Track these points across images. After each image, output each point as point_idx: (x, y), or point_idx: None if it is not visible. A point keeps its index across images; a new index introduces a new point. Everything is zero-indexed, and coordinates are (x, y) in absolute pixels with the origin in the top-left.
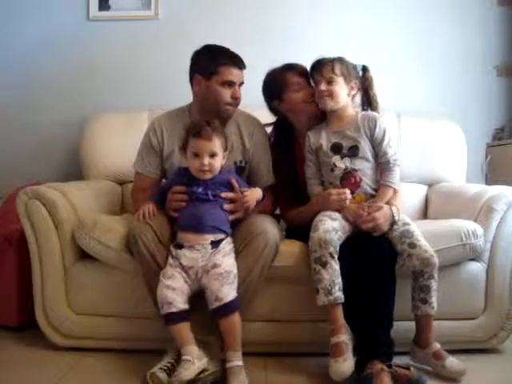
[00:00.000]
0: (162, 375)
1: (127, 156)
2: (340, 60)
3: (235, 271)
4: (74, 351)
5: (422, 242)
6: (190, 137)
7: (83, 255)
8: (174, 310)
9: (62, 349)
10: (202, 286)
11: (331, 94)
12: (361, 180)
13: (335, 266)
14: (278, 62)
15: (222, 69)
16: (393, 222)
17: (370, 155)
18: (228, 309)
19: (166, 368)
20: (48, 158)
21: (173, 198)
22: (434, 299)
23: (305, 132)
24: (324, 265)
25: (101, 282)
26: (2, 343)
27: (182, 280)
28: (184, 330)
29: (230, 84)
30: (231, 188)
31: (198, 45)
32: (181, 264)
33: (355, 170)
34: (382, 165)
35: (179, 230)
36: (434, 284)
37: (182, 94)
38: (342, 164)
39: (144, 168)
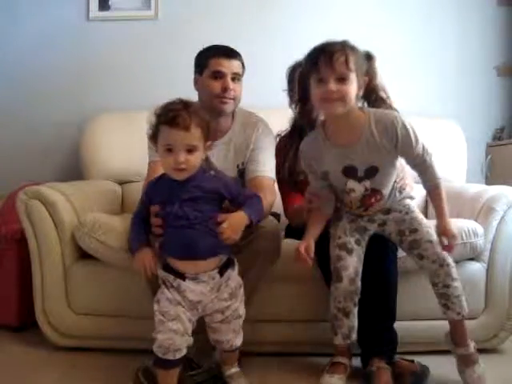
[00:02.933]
0: (155, 370)
1: (127, 156)
2: (352, 48)
3: (243, 313)
4: (73, 351)
5: (430, 250)
6: (161, 125)
7: (83, 255)
8: (178, 356)
9: (61, 349)
10: (206, 320)
11: (343, 97)
12: (383, 196)
13: (355, 310)
14: (279, 62)
15: (210, 61)
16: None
17: (394, 164)
18: (235, 349)
19: None
20: (48, 158)
21: (153, 222)
22: (456, 304)
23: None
24: (347, 315)
25: (101, 282)
26: (1, 343)
27: (187, 321)
28: (174, 376)
29: (220, 75)
30: (219, 199)
31: (198, 45)
32: (184, 298)
33: (377, 190)
34: (417, 167)
35: (171, 257)
36: (452, 290)
37: (182, 94)
38: (360, 187)
39: (156, 156)
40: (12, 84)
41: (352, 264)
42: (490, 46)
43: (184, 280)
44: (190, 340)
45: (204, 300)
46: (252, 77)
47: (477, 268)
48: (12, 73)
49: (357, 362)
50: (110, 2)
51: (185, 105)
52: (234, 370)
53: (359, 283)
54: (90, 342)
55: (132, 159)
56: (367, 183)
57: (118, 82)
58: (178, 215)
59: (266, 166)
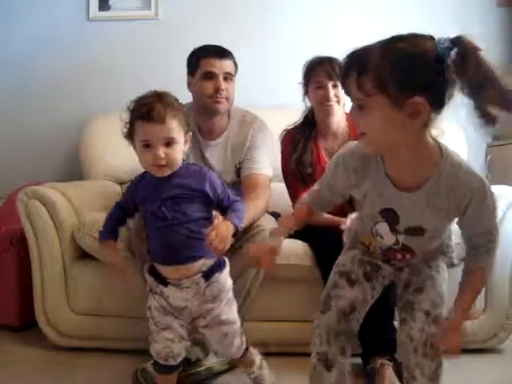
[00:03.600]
0: (153, 371)
1: (127, 156)
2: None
3: (236, 318)
4: (73, 351)
5: (418, 321)
6: (136, 120)
7: (83, 255)
8: (179, 360)
9: (62, 349)
10: (201, 334)
11: (368, 127)
12: (414, 257)
13: (343, 364)
14: (279, 62)
15: (201, 62)
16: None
17: (446, 228)
18: (243, 355)
19: None
20: (48, 158)
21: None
22: None
23: (325, 132)
24: (329, 366)
25: (101, 282)
26: (2, 343)
27: (179, 327)
28: (174, 378)
29: (212, 76)
30: (204, 198)
31: (198, 45)
32: (169, 304)
33: (410, 250)
34: (469, 243)
35: (155, 261)
36: None
37: (182, 94)
38: (391, 238)
39: None
40: (12, 84)
41: (349, 297)
42: (490, 46)
43: (166, 286)
44: (188, 343)
45: (189, 305)
46: (252, 77)
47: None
48: (12, 73)
49: (357, 360)
50: (109, 2)
51: (158, 96)
52: (254, 372)
53: (354, 325)
54: (89, 342)
55: (132, 159)
56: (402, 237)
57: (118, 82)
58: (156, 215)
59: (261, 164)
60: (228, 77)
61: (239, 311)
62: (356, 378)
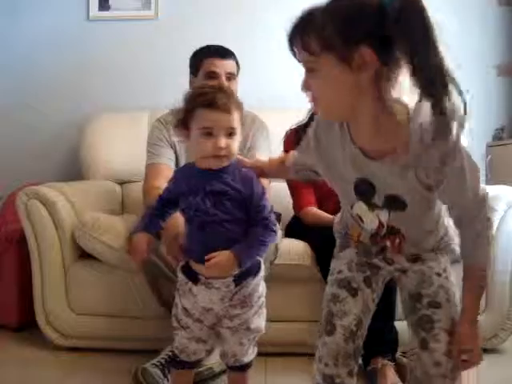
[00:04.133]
0: (154, 370)
1: (127, 156)
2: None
3: (263, 328)
4: (73, 351)
5: (442, 346)
6: (198, 108)
7: (83, 255)
8: (194, 359)
9: (62, 349)
10: (217, 332)
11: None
12: (405, 240)
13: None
14: (279, 63)
15: (203, 62)
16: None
17: (429, 201)
18: (245, 367)
19: (158, 364)
20: (48, 158)
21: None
22: None
23: None
24: None
25: (101, 282)
26: (1, 343)
27: (198, 330)
28: (188, 377)
29: (214, 76)
30: (241, 201)
31: (198, 45)
32: (195, 304)
33: (397, 231)
34: (459, 228)
35: (190, 257)
36: None
37: (182, 94)
38: (373, 218)
39: (155, 158)
40: (12, 84)
41: (354, 311)
42: (490, 45)
43: (196, 284)
44: (208, 347)
45: (215, 308)
46: (252, 77)
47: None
48: (12, 72)
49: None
50: (109, 2)
51: (220, 88)
52: None
53: (361, 342)
54: (89, 342)
55: (132, 159)
56: (384, 216)
57: (118, 82)
58: (198, 208)
59: None
60: (230, 77)
61: None
62: (356, 379)
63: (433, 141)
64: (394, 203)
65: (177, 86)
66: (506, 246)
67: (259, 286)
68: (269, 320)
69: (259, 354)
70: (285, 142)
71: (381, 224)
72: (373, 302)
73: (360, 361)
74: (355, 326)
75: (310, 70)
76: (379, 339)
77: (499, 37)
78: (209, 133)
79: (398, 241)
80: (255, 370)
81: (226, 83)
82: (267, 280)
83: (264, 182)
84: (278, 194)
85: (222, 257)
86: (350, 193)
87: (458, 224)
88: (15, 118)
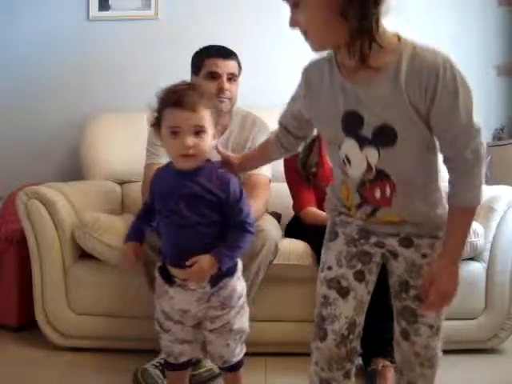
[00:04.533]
0: (154, 371)
1: (127, 156)
2: None
3: (247, 328)
4: (73, 351)
5: (423, 338)
6: (166, 108)
7: (83, 255)
8: (181, 360)
9: (62, 349)
10: (203, 335)
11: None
12: (394, 189)
13: None
14: (280, 63)
15: (206, 61)
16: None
17: (424, 136)
18: (236, 367)
19: (158, 365)
20: (48, 158)
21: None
22: None
23: None
24: None
25: (101, 282)
26: (2, 343)
27: (180, 331)
28: (181, 379)
29: (215, 76)
30: (218, 204)
31: (199, 45)
32: (173, 306)
33: (386, 176)
34: (450, 163)
35: (165, 260)
36: None
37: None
38: (361, 161)
39: (155, 158)
40: (12, 84)
41: (345, 313)
42: (489, 45)
43: (171, 286)
44: (194, 345)
45: (192, 310)
46: (254, 76)
47: (477, 268)
48: (12, 73)
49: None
50: (109, 2)
51: (191, 86)
52: None
53: (356, 343)
54: (89, 342)
55: (132, 159)
56: (373, 156)
57: (118, 82)
58: (172, 210)
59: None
60: (232, 77)
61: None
62: (355, 379)
63: (424, 58)
64: (384, 136)
65: None
66: (506, 246)
67: (237, 285)
68: (269, 320)
69: (259, 354)
70: None
71: (369, 166)
72: (368, 294)
73: (360, 361)
74: (347, 330)
75: (295, 6)
76: (379, 339)
77: (499, 37)
78: (175, 132)
79: (388, 190)
80: (255, 370)
81: (226, 84)
82: (267, 280)
83: (264, 181)
84: (278, 194)
85: (204, 261)
86: (338, 131)
87: (447, 159)
88: (15, 118)
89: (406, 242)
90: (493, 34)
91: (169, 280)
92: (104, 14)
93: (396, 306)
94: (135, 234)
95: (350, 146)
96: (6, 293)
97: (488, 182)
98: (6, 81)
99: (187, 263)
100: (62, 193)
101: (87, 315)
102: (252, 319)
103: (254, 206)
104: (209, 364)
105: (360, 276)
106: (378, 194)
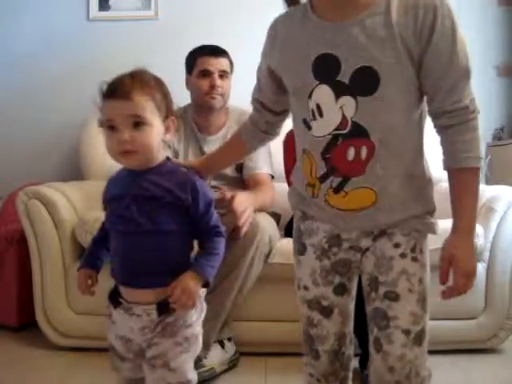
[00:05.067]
0: None
1: None
2: None
3: (188, 376)
4: (73, 351)
5: (395, 344)
6: (103, 101)
7: (83, 255)
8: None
9: (62, 349)
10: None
11: None
12: (371, 155)
13: None
14: None
15: (198, 60)
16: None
17: (406, 85)
18: None
19: None
20: (48, 158)
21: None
22: None
23: None
24: None
25: (101, 282)
26: (2, 343)
27: (132, 370)
28: None
29: (207, 73)
30: (181, 209)
31: (198, 45)
32: (117, 332)
33: (363, 134)
34: (442, 117)
35: (112, 277)
36: None
37: (182, 95)
38: (336, 113)
39: None
40: (12, 84)
41: (333, 330)
42: (490, 45)
43: (115, 308)
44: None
45: (135, 339)
46: (251, 76)
47: (477, 268)
48: (12, 72)
49: (355, 362)
50: (109, 2)
51: (131, 74)
52: None
53: (349, 350)
54: (90, 342)
55: None
56: (349, 107)
57: None
58: (121, 216)
59: (263, 163)
60: (223, 74)
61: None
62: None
63: None
64: (364, 80)
65: (177, 86)
66: (505, 246)
67: (189, 316)
68: (268, 320)
69: (259, 354)
70: (285, 142)
71: (345, 119)
72: (352, 300)
73: (357, 364)
74: (338, 345)
75: None
76: None
77: (499, 37)
78: (111, 126)
79: (364, 151)
80: (255, 370)
81: (218, 81)
82: (266, 280)
83: (266, 178)
84: (277, 194)
85: (186, 280)
86: (308, 78)
87: (441, 113)
88: (15, 117)
89: (380, 236)
90: (493, 34)
91: (114, 300)
92: (104, 14)
93: (367, 310)
94: (88, 261)
95: (322, 95)
96: (5, 293)
97: (488, 182)
98: (6, 80)
99: (170, 288)
100: (62, 192)
101: (87, 315)
102: (251, 319)
103: (263, 195)
104: (209, 364)
105: (341, 289)
106: (351, 154)
